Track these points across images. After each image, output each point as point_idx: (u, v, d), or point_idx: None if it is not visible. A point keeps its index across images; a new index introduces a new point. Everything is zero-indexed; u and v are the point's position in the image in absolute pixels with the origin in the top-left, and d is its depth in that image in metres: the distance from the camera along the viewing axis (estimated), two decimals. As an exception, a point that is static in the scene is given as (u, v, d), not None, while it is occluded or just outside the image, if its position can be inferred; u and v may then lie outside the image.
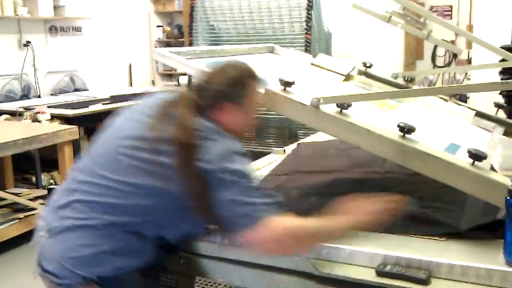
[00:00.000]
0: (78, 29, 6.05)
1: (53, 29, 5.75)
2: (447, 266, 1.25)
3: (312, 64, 2.21)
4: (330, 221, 1.29)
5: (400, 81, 2.24)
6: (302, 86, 1.58)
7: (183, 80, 6.66)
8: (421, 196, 1.66)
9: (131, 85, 6.98)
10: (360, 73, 2.21)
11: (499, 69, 3.08)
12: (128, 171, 1.29)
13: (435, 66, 5.74)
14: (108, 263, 1.29)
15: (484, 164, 1.31)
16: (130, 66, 6.96)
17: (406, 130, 1.34)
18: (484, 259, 1.25)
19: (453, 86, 1.87)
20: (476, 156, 1.29)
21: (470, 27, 5.09)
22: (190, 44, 4.32)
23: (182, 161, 1.23)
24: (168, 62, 1.66)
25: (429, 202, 1.60)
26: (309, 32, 3.76)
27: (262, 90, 1.46)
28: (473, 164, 1.30)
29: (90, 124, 5.11)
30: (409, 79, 2.12)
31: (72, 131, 3.70)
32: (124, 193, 1.28)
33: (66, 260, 1.30)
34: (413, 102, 1.99)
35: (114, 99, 5.28)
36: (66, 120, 4.36)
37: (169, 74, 7.64)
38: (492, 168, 1.39)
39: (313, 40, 3.82)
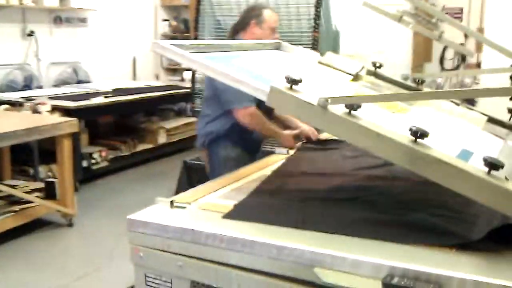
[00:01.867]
0: (83, 20, 5.99)
1: (58, 20, 5.68)
2: (458, 281, 1.17)
3: (319, 62, 2.13)
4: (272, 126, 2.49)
5: (409, 82, 2.17)
6: (309, 85, 1.50)
7: (188, 75, 6.62)
8: (429, 204, 1.60)
9: (134, 78, 6.91)
10: (369, 73, 2.13)
11: (510, 73, 3.00)
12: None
13: (443, 69, 5.64)
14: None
15: (500, 173, 1.23)
16: (134, 59, 6.90)
17: (419, 134, 1.26)
18: (498, 273, 1.17)
19: (466, 90, 1.80)
20: (493, 164, 1.21)
21: (480, 30, 5.00)
22: (196, 39, 4.24)
23: None
24: (169, 55, 1.58)
25: (437, 210, 1.54)
26: (317, 30, 3.67)
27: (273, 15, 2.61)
28: (489, 173, 1.22)
29: (91, 117, 5.07)
30: (420, 81, 2.04)
31: (72, 124, 3.64)
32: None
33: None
34: (424, 106, 1.91)
35: (117, 92, 5.22)
36: (66, 112, 4.30)
37: (174, 69, 7.57)
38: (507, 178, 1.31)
39: (321, 38, 3.74)
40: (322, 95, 1.39)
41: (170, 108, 6.68)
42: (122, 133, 5.65)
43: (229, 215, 1.59)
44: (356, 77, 2.07)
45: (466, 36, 5.34)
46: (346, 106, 1.34)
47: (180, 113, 6.77)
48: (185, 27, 7.44)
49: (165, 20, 7.43)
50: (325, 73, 2.05)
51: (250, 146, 2.67)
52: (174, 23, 7.50)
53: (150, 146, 5.71)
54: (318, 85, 1.74)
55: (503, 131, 1.95)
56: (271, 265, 1.39)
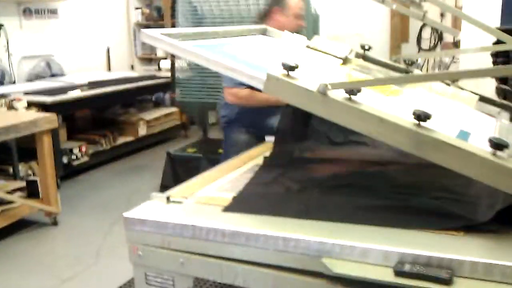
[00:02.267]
0: (53, 11, 5.80)
1: (27, 11, 5.49)
2: (469, 264, 1.17)
3: (308, 47, 2.09)
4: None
5: (395, 64, 2.15)
6: (302, 71, 1.47)
7: (165, 64, 6.51)
8: (429, 187, 1.59)
9: (109, 69, 6.76)
10: (358, 56, 2.10)
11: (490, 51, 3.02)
12: None
13: (420, 49, 5.67)
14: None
15: (505, 153, 1.22)
16: (108, 50, 6.74)
17: (422, 117, 1.24)
18: (509, 255, 1.16)
19: (467, 70, 1.80)
20: (498, 145, 1.20)
21: (458, 8, 5.02)
22: (173, 26, 4.15)
23: None
24: (159, 44, 1.52)
25: (438, 193, 1.53)
26: (297, 14, 3.62)
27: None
28: (494, 153, 1.21)
29: (69, 111, 4.94)
30: (410, 63, 2.02)
31: (51, 119, 3.53)
32: None
33: None
34: (415, 87, 1.90)
35: (93, 85, 5.10)
36: (43, 107, 4.18)
37: (149, 59, 7.44)
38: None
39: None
40: (317, 80, 1.36)
41: (148, 99, 6.57)
42: (101, 127, 5.53)
43: (229, 208, 1.55)
44: (345, 61, 2.04)
45: (442, 15, 5.36)
46: (346, 91, 1.31)
47: (158, 104, 6.67)
48: (158, 15, 7.29)
49: (138, 8, 7.27)
50: (315, 58, 2.02)
51: (263, 131, 2.60)
52: (146, 11, 7.33)
53: (130, 138, 5.61)
54: (310, 71, 1.71)
55: (493, 109, 1.94)
56: (278, 258, 1.36)
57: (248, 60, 1.61)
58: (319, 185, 1.66)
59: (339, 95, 1.33)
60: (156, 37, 1.52)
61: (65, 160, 4.64)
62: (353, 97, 1.32)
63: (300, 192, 1.62)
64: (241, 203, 1.57)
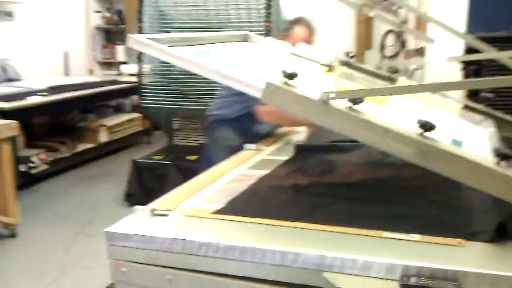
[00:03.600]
0: (9, 14, 5.56)
1: (-20, 13, 5.23)
2: (475, 276, 1.15)
3: (292, 53, 2.06)
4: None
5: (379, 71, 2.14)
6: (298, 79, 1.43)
7: (126, 69, 6.34)
8: (428, 198, 1.58)
9: (67, 74, 6.53)
10: (342, 63, 2.08)
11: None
12: None
13: (384, 56, 5.76)
14: None
15: (509, 163, 1.21)
16: (66, 54, 6.51)
17: (427, 127, 1.22)
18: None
19: (472, 80, 1.81)
20: (504, 155, 1.19)
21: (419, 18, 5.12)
22: (140, 32, 4.03)
23: None
24: (147, 50, 1.44)
25: (437, 203, 1.53)
26: (269, 20, 3.60)
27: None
28: (498, 163, 1.20)
29: (28, 118, 4.72)
30: (394, 71, 2.02)
31: (11, 127, 3.35)
32: None
33: None
34: (401, 95, 1.89)
35: (53, 90, 4.90)
36: (1, 114, 3.96)
37: (109, 63, 7.25)
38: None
39: (272, 28, 3.67)
40: (311, 88, 1.32)
41: (107, 105, 6.38)
42: (60, 133, 5.32)
43: (221, 211, 1.50)
44: (330, 68, 2.02)
45: (404, 22, 5.45)
46: (350, 101, 1.27)
47: (119, 109, 6.48)
48: (119, 19, 7.12)
49: (98, 11, 7.07)
50: (300, 65, 1.98)
51: (248, 135, 2.57)
52: (107, 14, 7.15)
53: (91, 145, 5.42)
54: (301, 78, 1.67)
55: (477, 117, 1.96)
56: (275, 273, 1.31)
57: (239, 67, 1.55)
58: (312, 192, 1.64)
59: (341, 104, 1.29)
60: (143, 42, 1.44)
61: (23, 168, 4.43)
62: (355, 106, 1.28)
63: (296, 197, 1.60)
64: (234, 206, 1.53)
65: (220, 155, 2.32)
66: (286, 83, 1.32)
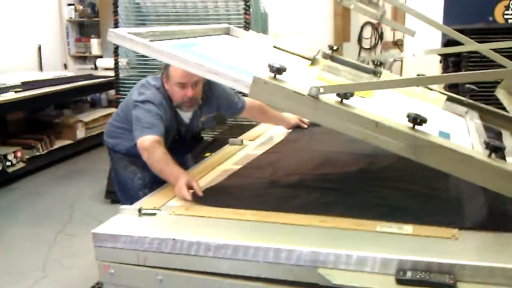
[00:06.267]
0: (-22, 7, 5.38)
1: None
2: (471, 268, 1.15)
3: (275, 47, 2.04)
4: (168, 167, 1.78)
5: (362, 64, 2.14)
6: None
7: (102, 63, 6.22)
8: (417, 188, 1.59)
9: (41, 68, 6.38)
10: (326, 56, 2.07)
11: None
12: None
13: (361, 48, 5.77)
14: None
15: (499, 156, 1.22)
16: (39, 48, 6.35)
17: (418, 121, 1.22)
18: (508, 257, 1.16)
19: (458, 74, 1.82)
20: (495, 148, 1.19)
21: (396, 10, 5.14)
22: (115, 25, 3.95)
23: None
24: (129, 45, 1.40)
25: (426, 193, 1.54)
26: (248, 12, 3.56)
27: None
28: (489, 156, 1.21)
29: (2, 114, 4.60)
30: (378, 63, 2.01)
31: (-14, 125, 3.24)
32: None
33: None
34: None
35: (27, 85, 4.77)
36: (-26, 111, 3.84)
37: (83, 57, 7.10)
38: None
39: (251, 20, 3.63)
40: (299, 83, 1.30)
41: (83, 100, 6.25)
42: (35, 130, 5.18)
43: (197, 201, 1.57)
44: (314, 62, 2.00)
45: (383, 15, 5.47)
46: (339, 95, 1.26)
47: (95, 104, 6.37)
48: (92, 11, 6.97)
49: (70, 4, 6.91)
50: (284, 58, 1.96)
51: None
52: (80, 7, 6.99)
53: (68, 142, 5.29)
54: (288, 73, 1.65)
55: (460, 108, 1.97)
56: (269, 270, 1.29)
57: (222, 62, 1.52)
58: (292, 183, 1.65)
59: (331, 98, 1.28)
60: (125, 36, 1.40)
61: (-2, 167, 4.31)
62: (345, 101, 1.27)
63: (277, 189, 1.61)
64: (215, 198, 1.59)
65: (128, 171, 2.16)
66: (274, 78, 1.29)
